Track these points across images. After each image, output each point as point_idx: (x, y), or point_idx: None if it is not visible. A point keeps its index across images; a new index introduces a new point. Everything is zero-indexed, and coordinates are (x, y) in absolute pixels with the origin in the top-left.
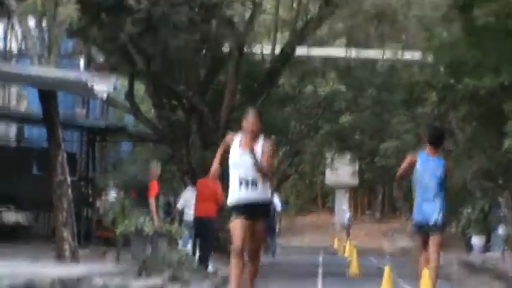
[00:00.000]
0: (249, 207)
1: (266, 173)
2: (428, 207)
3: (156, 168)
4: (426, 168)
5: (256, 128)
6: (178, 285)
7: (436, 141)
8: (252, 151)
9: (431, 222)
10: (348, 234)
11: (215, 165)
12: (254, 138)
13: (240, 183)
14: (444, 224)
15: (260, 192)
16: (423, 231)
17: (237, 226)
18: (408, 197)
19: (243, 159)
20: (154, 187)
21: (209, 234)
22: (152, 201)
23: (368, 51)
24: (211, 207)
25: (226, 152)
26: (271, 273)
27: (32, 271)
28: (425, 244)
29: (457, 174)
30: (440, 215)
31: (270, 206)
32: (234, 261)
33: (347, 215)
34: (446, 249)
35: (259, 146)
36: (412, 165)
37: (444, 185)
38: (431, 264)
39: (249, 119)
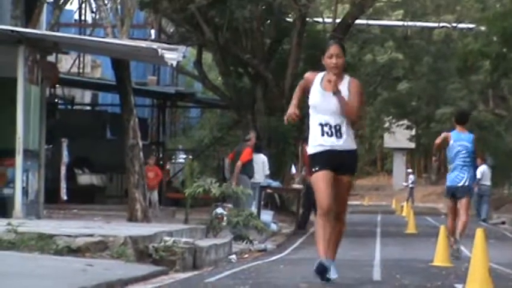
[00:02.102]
0: (333, 158)
1: (355, 117)
2: (459, 175)
3: (253, 136)
4: (458, 142)
5: (340, 62)
6: (243, 244)
7: (463, 120)
8: (336, 90)
9: (461, 187)
10: (412, 197)
11: (292, 108)
12: (338, 75)
13: (322, 130)
14: (471, 188)
15: (346, 141)
16: (453, 194)
17: (320, 180)
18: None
19: (325, 101)
20: (246, 153)
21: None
22: (239, 164)
23: (424, 23)
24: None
25: (304, 93)
26: None
27: (105, 230)
28: (455, 205)
29: (509, 138)
30: (469, 181)
31: (357, 159)
32: (319, 222)
33: (411, 178)
34: (498, 210)
35: (345, 85)
36: (446, 140)
37: (473, 155)
38: (461, 220)
39: (331, 52)
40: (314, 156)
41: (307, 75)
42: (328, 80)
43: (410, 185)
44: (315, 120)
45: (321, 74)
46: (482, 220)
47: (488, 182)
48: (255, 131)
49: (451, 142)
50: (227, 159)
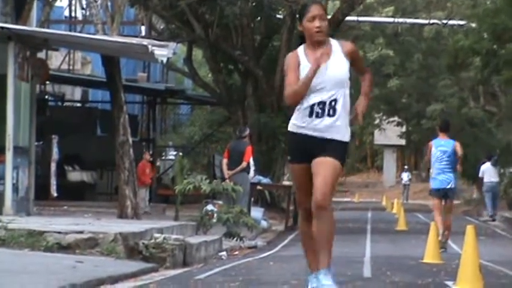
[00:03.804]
0: (315, 144)
1: (371, 85)
2: (443, 177)
3: (248, 132)
4: (438, 148)
5: (324, 25)
6: (233, 240)
7: (445, 128)
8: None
9: (446, 189)
10: (407, 194)
11: (297, 84)
12: (324, 42)
13: (312, 110)
14: (455, 190)
15: (338, 118)
16: (439, 195)
17: (300, 175)
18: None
19: (320, 76)
20: (250, 152)
21: None
22: (245, 164)
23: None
24: None
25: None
26: None
27: (95, 227)
28: (441, 203)
29: (500, 135)
30: (452, 184)
31: (346, 149)
32: (303, 229)
33: (407, 175)
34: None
35: (338, 51)
36: (430, 148)
37: (454, 159)
38: (447, 222)
39: (313, 13)
40: (293, 138)
41: (290, 56)
42: (314, 53)
43: (406, 182)
44: (304, 103)
45: (300, 49)
46: (490, 216)
47: (494, 179)
48: (247, 127)
49: (433, 148)
50: (223, 158)
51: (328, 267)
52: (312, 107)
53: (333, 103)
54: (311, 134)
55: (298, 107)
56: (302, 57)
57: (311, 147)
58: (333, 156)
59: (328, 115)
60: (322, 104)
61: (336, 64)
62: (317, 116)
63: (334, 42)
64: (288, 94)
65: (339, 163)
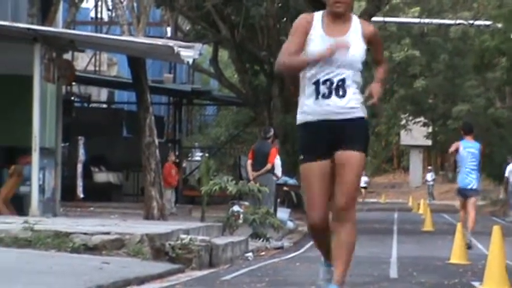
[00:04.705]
0: (329, 130)
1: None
2: (469, 177)
3: (273, 133)
4: (466, 149)
5: None
6: (260, 241)
7: (469, 130)
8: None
9: (468, 189)
10: (432, 194)
11: (293, 58)
12: (344, 16)
13: (317, 89)
14: (478, 189)
15: (350, 101)
16: (464, 194)
17: (314, 177)
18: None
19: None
20: (275, 154)
21: None
22: (269, 166)
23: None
24: None
25: (304, 39)
26: None
27: (121, 228)
28: (465, 201)
29: None
30: (474, 184)
31: (367, 129)
32: (312, 234)
33: (430, 175)
34: None
35: (357, 30)
36: (457, 149)
37: (479, 161)
38: (470, 216)
39: None
40: (304, 129)
41: (301, 18)
42: (332, 24)
43: (430, 182)
44: (309, 78)
45: (319, 14)
46: None
47: None
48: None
49: (461, 149)
50: (248, 159)
51: (341, 285)
52: (316, 85)
53: (340, 83)
54: (322, 119)
55: (300, 92)
56: (317, 24)
57: (326, 137)
58: (355, 149)
59: (337, 95)
60: (328, 82)
61: (352, 44)
62: (324, 97)
63: (355, 20)
64: (279, 63)
65: (363, 156)
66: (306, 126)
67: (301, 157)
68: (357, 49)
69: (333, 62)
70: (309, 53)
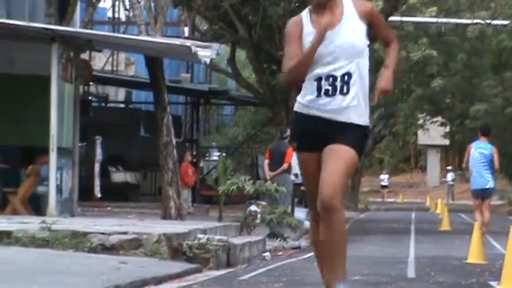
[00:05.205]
0: (327, 129)
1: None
2: (483, 178)
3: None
4: (478, 150)
5: None
6: (277, 241)
7: (487, 132)
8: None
9: (483, 189)
10: (452, 194)
11: (295, 60)
12: (332, 2)
13: (320, 86)
14: (493, 190)
15: (353, 99)
16: (477, 195)
17: (308, 168)
18: None
19: (327, 43)
20: (291, 154)
21: None
22: (286, 166)
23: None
24: None
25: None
26: (367, 228)
27: (139, 227)
28: (481, 202)
29: None
30: (490, 184)
31: (366, 136)
32: (312, 231)
33: (450, 175)
34: None
35: (351, 10)
36: (470, 150)
37: (492, 162)
38: (485, 217)
39: None
40: (298, 120)
41: (290, 23)
42: (323, 23)
43: (450, 182)
44: (311, 76)
45: (305, 12)
46: None
47: None
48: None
49: (472, 150)
50: (265, 159)
51: (344, 281)
52: (319, 82)
53: (346, 78)
54: (319, 115)
55: (303, 86)
56: (306, 22)
57: (320, 132)
58: (347, 144)
59: (341, 93)
60: (332, 78)
61: (349, 28)
62: (327, 95)
63: (347, 2)
64: (284, 73)
65: (355, 153)
66: (302, 117)
67: (295, 145)
68: (356, 33)
69: (332, 56)
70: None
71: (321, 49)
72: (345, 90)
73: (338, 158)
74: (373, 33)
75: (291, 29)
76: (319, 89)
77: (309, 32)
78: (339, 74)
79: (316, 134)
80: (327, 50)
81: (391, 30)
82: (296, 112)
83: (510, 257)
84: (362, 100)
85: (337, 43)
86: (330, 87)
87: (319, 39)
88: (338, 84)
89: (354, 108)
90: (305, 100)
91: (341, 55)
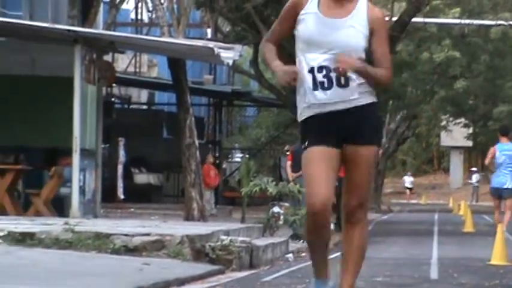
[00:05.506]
0: (335, 122)
1: (389, 79)
2: (503, 178)
3: None
4: (502, 152)
5: None
6: (300, 242)
7: (505, 132)
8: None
9: (502, 189)
10: (477, 195)
11: (283, 67)
12: None
13: (314, 79)
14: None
15: (354, 91)
16: (499, 194)
17: (314, 161)
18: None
19: (326, 31)
20: None
21: None
22: None
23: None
24: None
25: (291, 24)
26: (390, 230)
27: (162, 229)
28: (499, 202)
29: None
30: (510, 184)
31: (378, 120)
32: (309, 236)
33: (475, 177)
34: None
35: (362, 10)
36: (493, 152)
37: None
38: (506, 216)
39: None
40: (305, 125)
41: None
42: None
43: (475, 184)
44: (303, 66)
45: None
46: None
47: None
48: None
49: (497, 153)
50: (288, 161)
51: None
52: (312, 74)
53: (339, 69)
54: (325, 111)
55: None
56: (313, 2)
57: (332, 127)
58: (367, 142)
59: (339, 85)
60: (324, 69)
61: (353, 25)
62: (323, 88)
63: (362, 1)
64: (260, 51)
65: (375, 148)
66: (307, 121)
67: (306, 143)
68: (358, 33)
69: (328, 46)
70: (299, 36)
71: (324, 36)
72: (342, 81)
73: (360, 166)
74: (371, 44)
75: (287, 6)
76: (314, 81)
77: (311, 15)
78: (333, 65)
79: (326, 128)
80: (324, 40)
81: (390, 60)
82: (301, 122)
83: None
84: (363, 87)
85: (337, 36)
86: (325, 80)
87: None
88: (332, 74)
89: (354, 101)
90: (305, 103)
91: (336, 49)
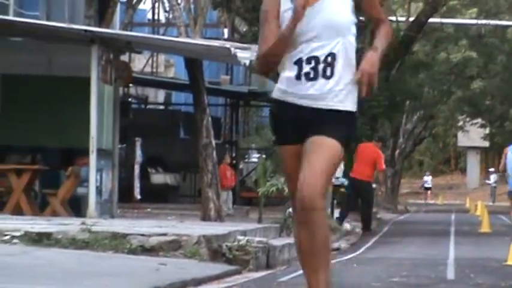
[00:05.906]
0: (307, 117)
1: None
2: None
3: None
4: None
5: None
6: None
7: None
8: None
9: None
10: (494, 196)
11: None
12: None
13: (300, 70)
14: None
15: (337, 83)
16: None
17: (287, 159)
18: None
19: (307, 21)
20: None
21: (369, 196)
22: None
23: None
24: (368, 171)
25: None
26: (407, 230)
27: (179, 229)
28: None
29: None
30: None
31: (353, 121)
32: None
33: (493, 177)
34: None
35: None
36: (506, 155)
37: None
38: None
39: None
40: (276, 109)
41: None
42: None
43: (493, 184)
44: (289, 58)
45: None
46: None
47: None
48: None
49: (509, 154)
50: None
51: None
52: (299, 65)
53: (329, 59)
54: (299, 103)
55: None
56: None
57: (300, 121)
58: (331, 135)
59: (324, 76)
60: (314, 60)
61: (332, 3)
62: (308, 79)
63: None
64: (257, 58)
65: (339, 146)
66: (279, 105)
67: (274, 138)
68: (341, 8)
69: (316, 37)
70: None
71: (300, 27)
72: (328, 72)
73: (320, 153)
74: (362, 9)
75: (267, 6)
76: (299, 72)
77: (287, 9)
78: (321, 54)
79: (296, 123)
80: (307, 28)
81: (383, 9)
82: (273, 99)
83: None
84: (347, 83)
85: (319, 20)
86: (311, 70)
87: (297, 16)
88: (320, 66)
89: (337, 93)
90: (284, 85)
91: (323, 34)
